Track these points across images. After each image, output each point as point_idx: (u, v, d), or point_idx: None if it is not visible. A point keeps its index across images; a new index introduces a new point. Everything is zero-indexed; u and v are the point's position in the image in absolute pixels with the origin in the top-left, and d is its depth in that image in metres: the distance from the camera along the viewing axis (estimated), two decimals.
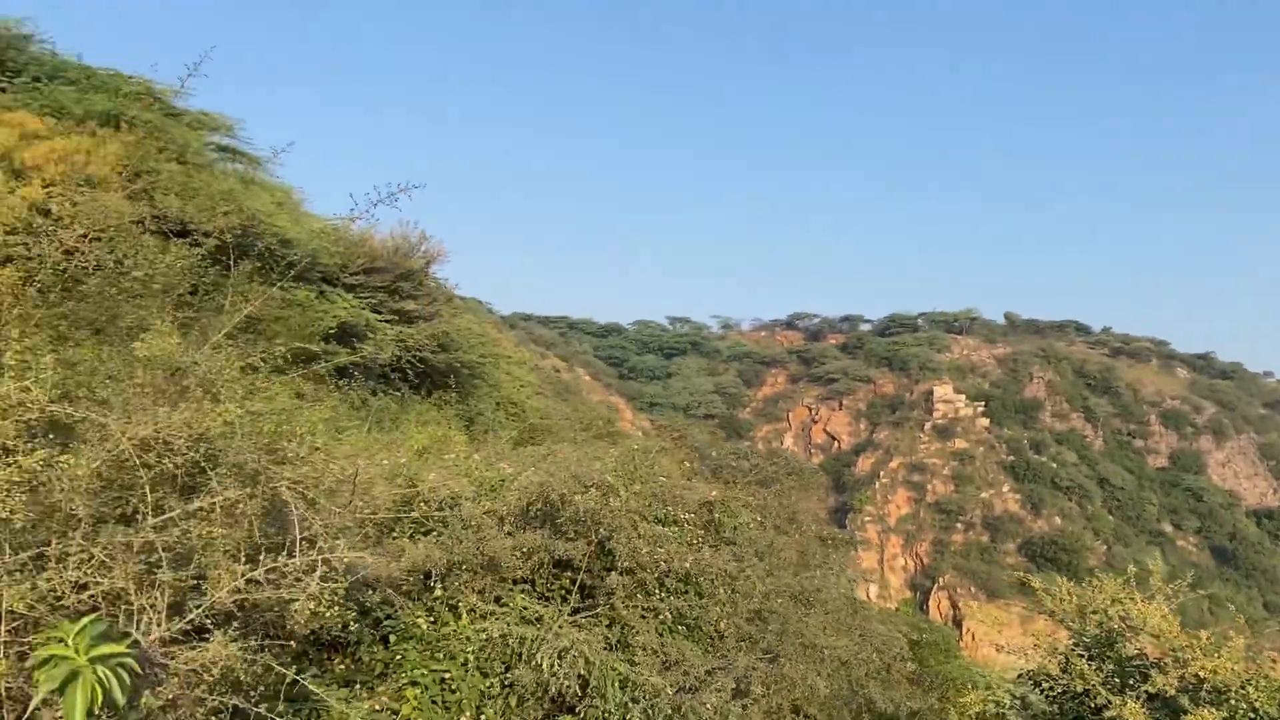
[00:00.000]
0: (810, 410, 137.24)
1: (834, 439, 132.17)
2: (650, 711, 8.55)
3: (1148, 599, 11.87)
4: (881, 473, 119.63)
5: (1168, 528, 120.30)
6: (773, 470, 18.14)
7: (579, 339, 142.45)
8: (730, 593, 10.90)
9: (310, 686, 5.83)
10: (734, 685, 9.37)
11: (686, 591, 10.50)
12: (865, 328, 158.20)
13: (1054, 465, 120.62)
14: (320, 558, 5.41)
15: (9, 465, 4.53)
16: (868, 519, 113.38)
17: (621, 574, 10.01)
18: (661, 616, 9.86)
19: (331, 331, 21.70)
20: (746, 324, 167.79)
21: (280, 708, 6.10)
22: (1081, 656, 11.57)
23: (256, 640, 5.47)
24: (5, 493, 4.44)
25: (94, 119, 20.56)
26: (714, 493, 12.82)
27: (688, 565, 10.23)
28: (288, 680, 5.82)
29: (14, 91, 22.17)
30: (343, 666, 8.81)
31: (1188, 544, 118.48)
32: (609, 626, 9.79)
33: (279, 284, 8.62)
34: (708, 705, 8.69)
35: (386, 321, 25.84)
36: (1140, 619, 11.51)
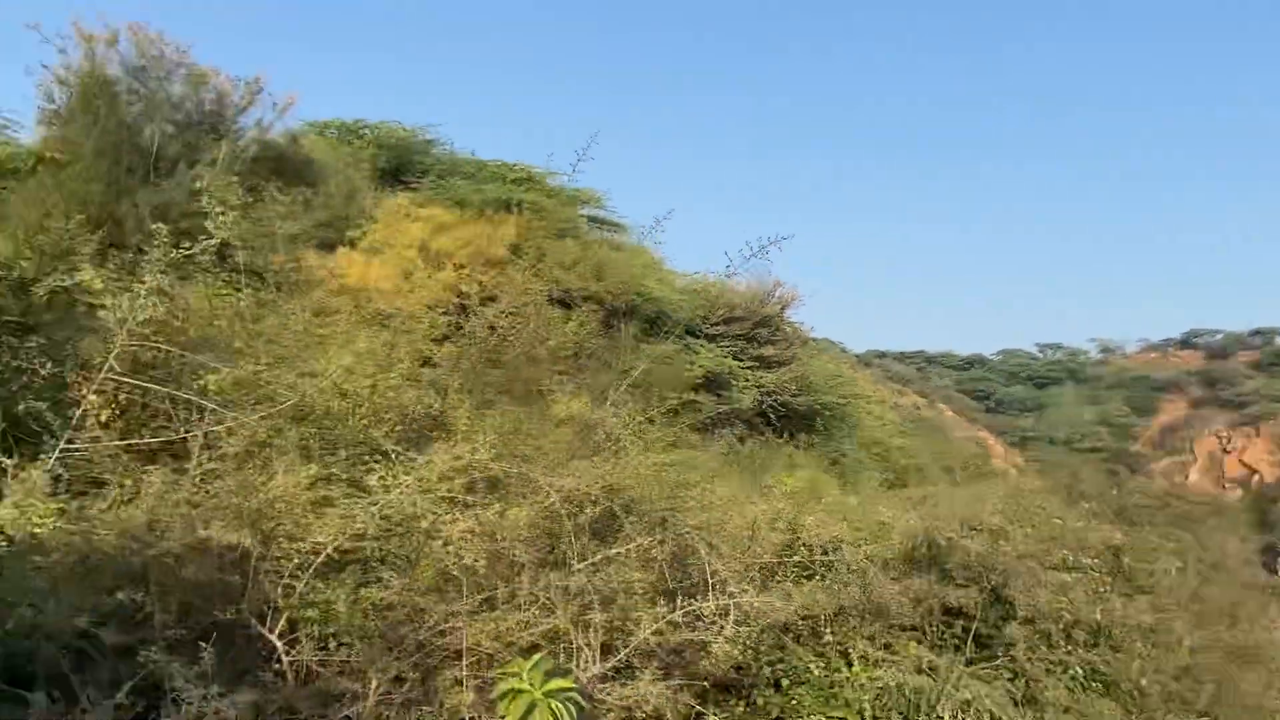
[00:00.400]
0: (1220, 439, 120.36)
1: (1252, 471, 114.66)
2: None
3: None
4: None
5: None
6: (1186, 509, 16.12)
7: (939, 373, 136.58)
8: (1149, 646, 9.80)
9: None
10: None
11: (1097, 644, 9.59)
12: None
13: None
14: (732, 602, 5.66)
15: (470, 518, 5.25)
16: None
17: (1021, 624, 9.38)
18: (1071, 671, 9.08)
19: (698, 382, 22.75)
20: (1131, 346, 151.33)
21: None
22: None
23: (674, 680, 5.80)
24: (468, 542, 5.14)
25: (489, 206, 23.37)
26: (1119, 535, 11.65)
27: (1097, 615, 9.36)
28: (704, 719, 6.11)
29: (423, 189, 25.92)
30: (740, 708, 9.04)
31: None
32: (1011, 680, 9.18)
33: (665, 341, 9.20)
34: None
35: (747, 369, 26.63)
36: None
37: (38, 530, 4.62)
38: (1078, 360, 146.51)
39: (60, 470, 5.58)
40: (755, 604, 5.95)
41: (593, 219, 29.77)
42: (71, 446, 5.67)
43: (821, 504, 12.49)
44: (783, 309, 31.99)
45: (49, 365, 6.40)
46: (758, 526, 7.41)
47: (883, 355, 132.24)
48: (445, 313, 9.16)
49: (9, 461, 5.08)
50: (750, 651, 6.98)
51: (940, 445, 39.08)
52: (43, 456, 5.41)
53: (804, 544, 10.04)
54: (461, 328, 8.76)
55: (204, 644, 4.57)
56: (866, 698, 8.74)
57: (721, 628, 5.67)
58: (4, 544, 4.53)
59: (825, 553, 9.79)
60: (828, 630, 9.25)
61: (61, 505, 4.98)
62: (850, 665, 9.16)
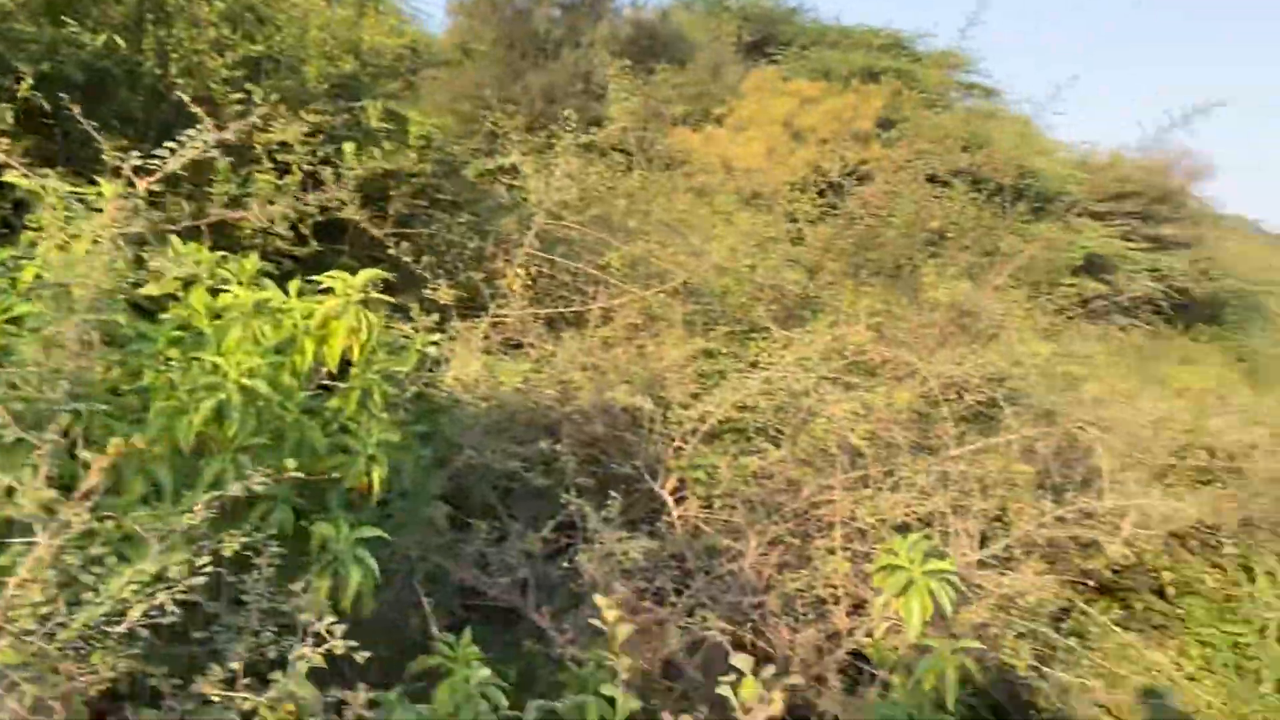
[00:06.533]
0: None
1: None
2: None
3: None
4: None
5: None
6: None
7: None
8: None
9: (1108, 625, 5.87)
10: None
11: None
12: None
13: None
14: (1133, 504, 5.35)
15: (853, 397, 5.37)
16: None
17: None
18: None
19: (1078, 264, 20.85)
20: None
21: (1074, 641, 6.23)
22: None
23: (1056, 575, 5.65)
24: (852, 421, 5.28)
25: (855, 76, 22.54)
26: None
27: None
28: (1072, 615, 5.94)
29: (786, 61, 25.46)
30: (1114, 610, 8.57)
31: None
32: None
33: (1046, 221, 8.56)
34: None
35: (1139, 250, 23.97)
36: None
37: (503, 387, 5.40)
38: None
39: (489, 333, 6.44)
40: (1160, 508, 5.55)
41: (965, 85, 27.76)
42: (499, 312, 6.49)
43: (1227, 404, 11.17)
44: (1189, 182, 28.20)
45: (475, 240, 7.29)
46: (1158, 426, 6.84)
47: None
48: (820, 191, 9.15)
49: (462, 325, 5.95)
50: (1135, 555, 6.59)
51: None
52: (477, 321, 6.26)
53: (1204, 447, 9.10)
54: (835, 206, 8.72)
55: (611, 493, 5.12)
56: (1273, 616, 7.91)
57: (1118, 529, 5.38)
58: (469, 397, 5.35)
59: (1232, 458, 8.80)
60: (1229, 542, 8.40)
61: (523, 367, 5.76)
62: (1253, 581, 8.30)
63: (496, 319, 6.46)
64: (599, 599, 2.97)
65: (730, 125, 19.62)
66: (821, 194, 9.16)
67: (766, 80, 21.11)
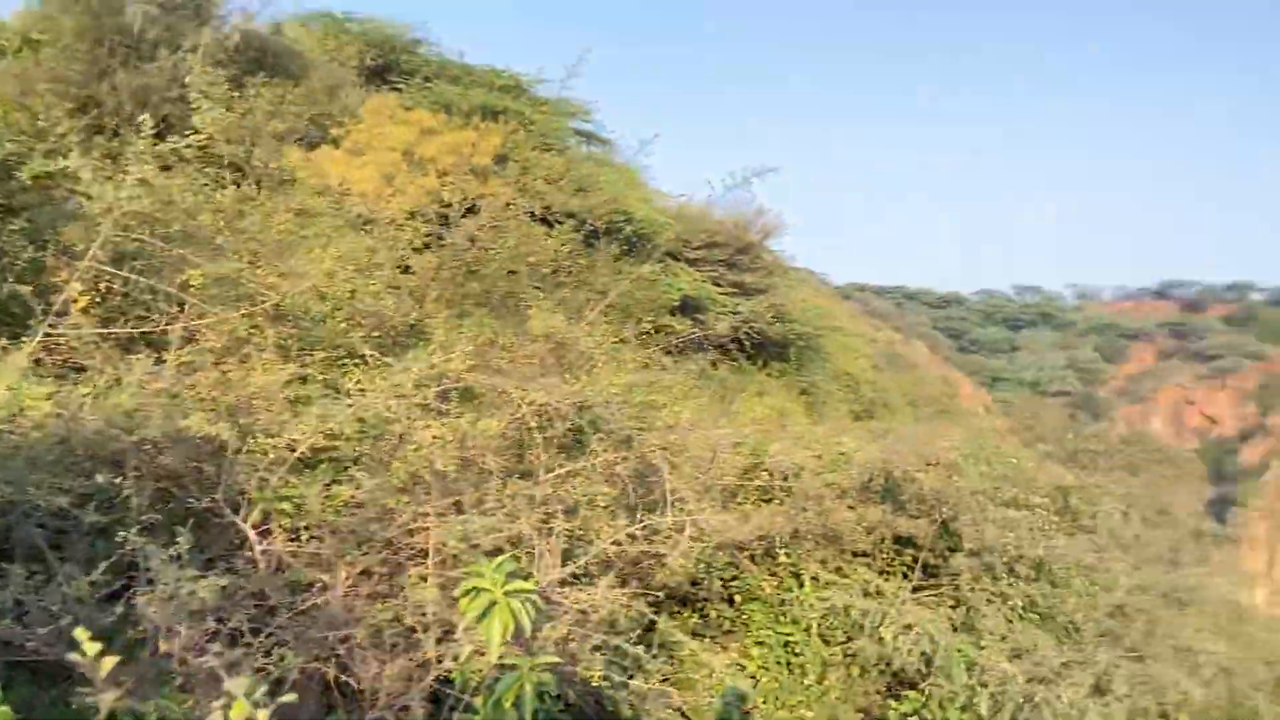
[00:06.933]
0: (1184, 390, 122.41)
1: (1213, 423, 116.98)
2: (999, 697, 8.34)
3: None
4: (1276, 463, 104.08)
5: None
6: (1140, 456, 16.67)
7: (915, 310, 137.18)
8: (1088, 584, 10.30)
9: (677, 634, 6.42)
10: (1093, 682, 8.87)
11: (1038, 579, 10.06)
12: (1258, 297, 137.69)
13: None
14: (690, 519, 5.94)
15: (444, 424, 5.44)
16: (1256, 514, 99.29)
17: (967, 555, 9.80)
18: (1011, 603, 9.53)
19: (675, 305, 22.87)
20: (1108, 293, 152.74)
21: (642, 650, 6.72)
22: None
23: (629, 589, 6.10)
24: (441, 448, 5.34)
25: (475, 113, 22.97)
26: (1070, 477, 12.11)
27: (1040, 552, 9.80)
28: (656, 627, 6.46)
29: (409, 91, 25.39)
30: (693, 620, 9.45)
31: None
32: (953, 608, 9.65)
33: (644, 263, 9.33)
34: (1062, 699, 8.31)
35: (725, 294, 26.76)
36: None
37: (30, 412, 4.75)
38: (1054, 305, 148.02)
39: (41, 354, 5.70)
40: (711, 522, 6.23)
41: (579, 133, 29.38)
42: (54, 331, 5.76)
43: (787, 431, 12.81)
44: (764, 237, 32.07)
45: (30, 249, 6.44)
46: (719, 449, 7.69)
47: (862, 289, 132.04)
48: (427, 220, 9.22)
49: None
50: (705, 567, 7.33)
51: (909, 382, 39.65)
52: (24, 339, 5.51)
53: (766, 469, 10.35)
54: (442, 237, 8.84)
55: (179, 529, 4.75)
56: (814, 616, 9.17)
57: (677, 542, 5.96)
58: (6, 426, 4.66)
59: (786, 478, 10.10)
60: (782, 552, 9.61)
61: (52, 390, 5.10)
62: (801, 585, 9.57)
63: (49, 339, 5.73)
64: (80, 632, 2.75)
65: (347, 148, 19.11)
66: (429, 223, 9.24)
67: (386, 106, 20.82)
